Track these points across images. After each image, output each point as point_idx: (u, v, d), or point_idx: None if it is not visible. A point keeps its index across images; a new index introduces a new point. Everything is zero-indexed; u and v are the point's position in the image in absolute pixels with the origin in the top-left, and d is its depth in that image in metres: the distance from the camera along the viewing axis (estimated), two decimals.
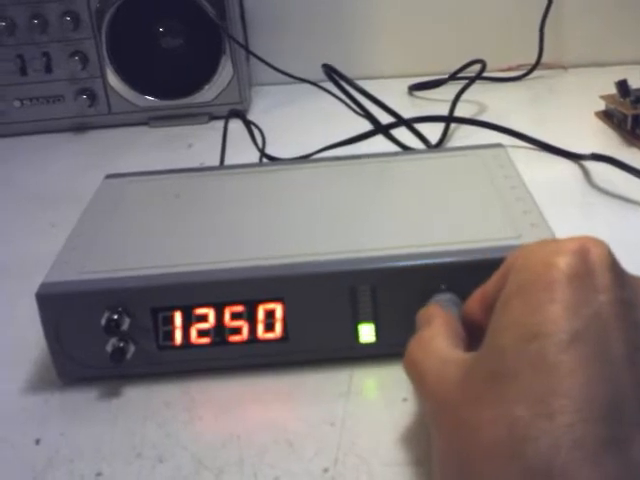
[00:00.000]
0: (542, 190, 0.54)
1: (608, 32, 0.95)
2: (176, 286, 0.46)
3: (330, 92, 0.76)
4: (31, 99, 0.87)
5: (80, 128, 0.89)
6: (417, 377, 0.37)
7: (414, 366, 0.37)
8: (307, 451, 0.42)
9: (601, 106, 0.80)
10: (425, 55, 0.97)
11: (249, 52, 0.89)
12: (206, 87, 0.87)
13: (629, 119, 0.74)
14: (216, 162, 0.72)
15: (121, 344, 0.46)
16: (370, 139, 0.73)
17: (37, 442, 0.44)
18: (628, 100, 0.74)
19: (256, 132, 0.77)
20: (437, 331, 0.38)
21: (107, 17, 0.84)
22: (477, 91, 0.86)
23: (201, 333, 0.47)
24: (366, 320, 0.47)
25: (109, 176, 0.60)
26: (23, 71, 0.86)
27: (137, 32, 0.85)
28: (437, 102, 0.88)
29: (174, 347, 0.47)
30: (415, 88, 0.93)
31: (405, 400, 0.45)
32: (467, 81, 0.86)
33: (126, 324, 0.46)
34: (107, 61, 0.85)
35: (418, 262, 0.46)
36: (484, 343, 0.33)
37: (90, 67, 0.86)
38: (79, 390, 0.47)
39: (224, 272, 0.46)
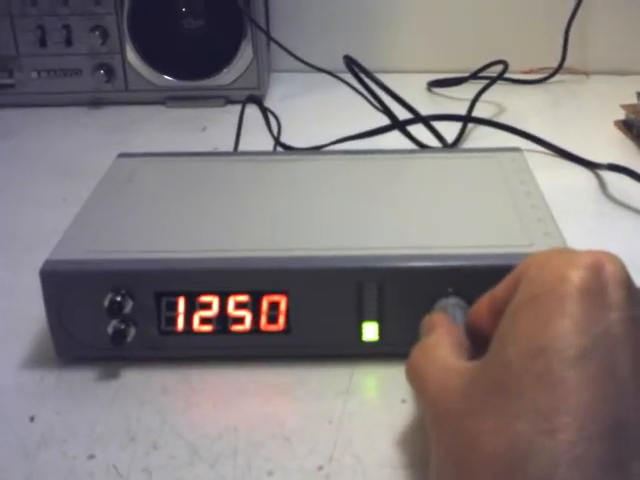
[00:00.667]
0: (556, 197, 0.54)
1: (634, 40, 0.94)
2: (181, 272, 0.46)
3: (349, 84, 0.75)
4: (48, 71, 0.87)
5: (96, 103, 0.89)
6: (419, 384, 0.36)
7: (416, 373, 0.37)
8: (303, 447, 0.41)
9: (621, 115, 0.79)
10: (447, 52, 0.97)
11: (270, 38, 0.89)
12: (225, 70, 0.86)
13: None
14: (229, 146, 0.72)
15: (122, 326, 0.45)
16: (386, 134, 0.72)
17: (31, 419, 0.44)
18: None
19: (272, 119, 0.76)
20: (441, 339, 0.38)
21: None
22: (497, 92, 0.86)
23: (204, 321, 0.46)
24: (370, 318, 0.46)
25: (122, 155, 0.60)
26: (43, 42, 0.86)
27: (159, 10, 0.84)
28: (456, 100, 0.87)
29: (176, 333, 0.47)
30: (434, 85, 0.92)
31: (404, 402, 0.44)
32: (488, 81, 0.85)
33: (129, 307, 0.45)
34: (127, 37, 0.85)
35: (427, 264, 0.45)
36: (490, 352, 0.33)
37: (110, 42, 0.86)
38: (77, 370, 0.47)
39: (230, 261, 0.46)
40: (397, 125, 0.71)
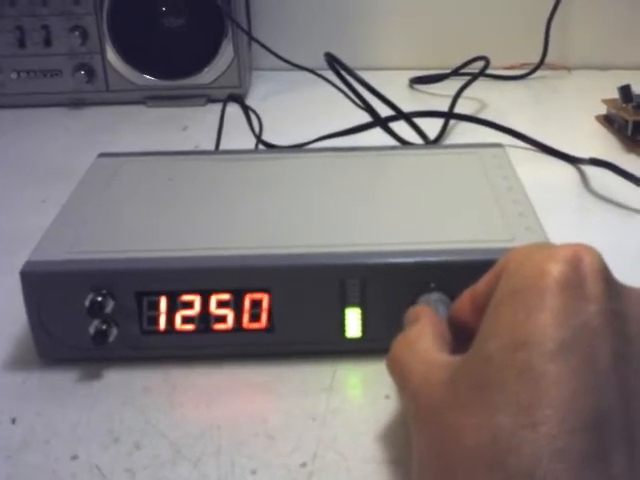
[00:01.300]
0: (538, 192, 0.54)
1: (615, 35, 0.94)
2: (162, 271, 0.45)
3: (330, 82, 0.75)
4: (28, 72, 0.86)
5: (76, 104, 0.88)
6: (401, 376, 0.36)
7: (398, 365, 0.37)
8: (286, 445, 0.41)
9: (603, 110, 0.80)
10: (428, 49, 0.96)
11: (251, 37, 0.89)
12: (205, 69, 0.86)
13: (630, 125, 0.74)
14: (211, 145, 0.72)
15: (104, 326, 0.45)
16: (368, 131, 0.72)
17: (13, 421, 0.43)
18: (630, 106, 0.74)
19: (253, 118, 0.76)
20: (424, 331, 0.38)
21: None
22: (479, 88, 0.86)
23: (186, 320, 0.46)
24: (353, 315, 0.46)
25: (102, 155, 0.60)
26: (22, 43, 0.85)
27: (139, 9, 0.84)
28: (438, 97, 0.87)
29: (158, 332, 0.46)
30: (416, 82, 0.92)
31: (387, 397, 0.44)
32: (469, 77, 0.85)
33: (110, 307, 0.45)
34: (107, 37, 0.84)
35: (409, 259, 0.45)
36: (472, 347, 0.33)
37: (90, 43, 0.85)
38: (59, 370, 0.47)
39: (211, 259, 0.46)
40: (379, 122, 0.71)
